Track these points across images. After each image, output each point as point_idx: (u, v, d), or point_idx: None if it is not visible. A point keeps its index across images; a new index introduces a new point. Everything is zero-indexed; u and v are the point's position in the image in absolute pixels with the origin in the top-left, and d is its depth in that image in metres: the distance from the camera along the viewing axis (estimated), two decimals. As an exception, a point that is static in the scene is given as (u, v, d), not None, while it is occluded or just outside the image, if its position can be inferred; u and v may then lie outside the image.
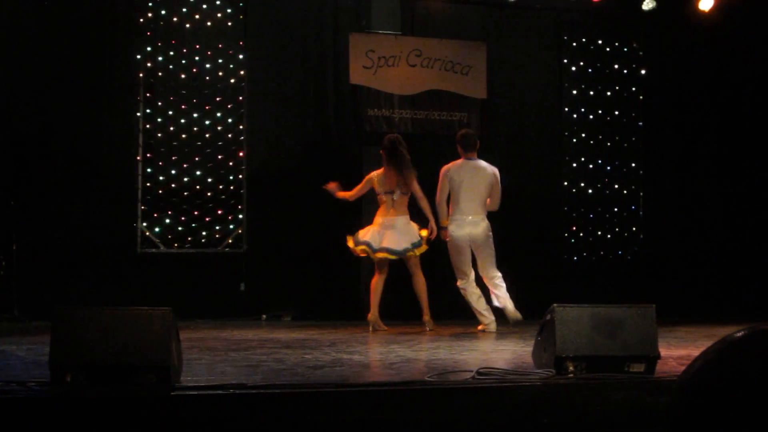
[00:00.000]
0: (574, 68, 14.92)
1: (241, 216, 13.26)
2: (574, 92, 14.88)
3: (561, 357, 6.35)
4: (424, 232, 11.42)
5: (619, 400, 6.08)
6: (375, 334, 10.85)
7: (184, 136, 13.12)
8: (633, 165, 15.07)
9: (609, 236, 14.89)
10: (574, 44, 14.92)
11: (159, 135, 13.12)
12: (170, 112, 13.13)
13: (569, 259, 14.65)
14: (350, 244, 11.49)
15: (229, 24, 13.44)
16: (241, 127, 13.30)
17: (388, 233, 11.36)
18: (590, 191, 14.87)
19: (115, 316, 5.82)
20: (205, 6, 13.37)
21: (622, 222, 14.98)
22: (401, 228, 11.40)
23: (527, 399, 5.99)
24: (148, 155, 13.06)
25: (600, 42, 15.02)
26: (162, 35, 13.22)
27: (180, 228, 13.08)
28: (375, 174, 11.60)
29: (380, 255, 11.33)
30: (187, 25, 13.28)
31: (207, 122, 13.18)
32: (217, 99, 13.25)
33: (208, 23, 13.36)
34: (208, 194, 13.14)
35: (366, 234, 11.45)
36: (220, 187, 13.19)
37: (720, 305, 13.76)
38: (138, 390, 5.60)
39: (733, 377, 1.48)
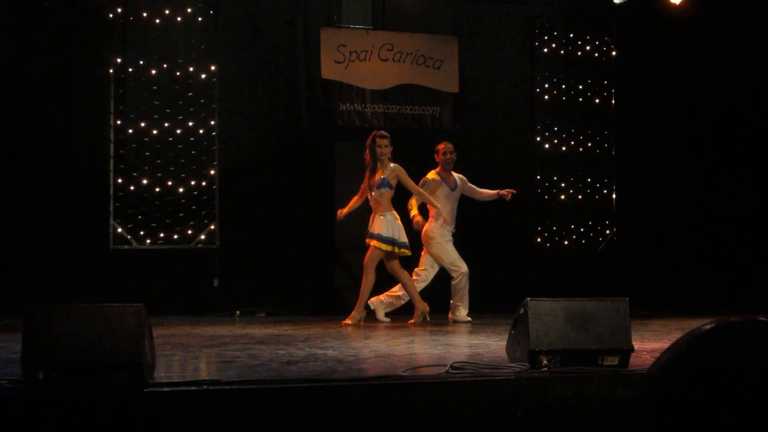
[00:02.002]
0: (546, 61, 14.93)
1: (214, 212, 13.22)
2: (546, 85, 14.89)
3: (535, 351, 6.37)
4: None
5: (592, 393, 6.10)
6: (348, 329, 10.85)
7: (156, 132, 13.06)
8: (605, 157, 15.10)
9: (582, 229, 14.91)
10: (546, 37, 14.93)
11: (131, 131, 13.05)
12: (142, 109, 13.07)
13: (542, 250, 14.67)
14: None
15: (200, 19, 13.37)
16: (213, 122, 13.25)
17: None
18: (563, 184, 14.88)
19: (87, 313, 5.80)
20: (174, 1, 13.31)
21: (595, 214, 15.00)
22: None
23: (501, 393, 6.00)
24: (121, 152, 13.00)
25: (572, 35, 15.04)
26: (133, 33, 13.15)
27: (153, 224, 13.02)
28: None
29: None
30: (158, 21, 13.21)
31: (179, 118, 13.11)
32: (189, 95, 13.19)
33: (179, 19, 13.29)
34: (181, 190, 13.08)
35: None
36: (193, 183, 13.14)
37: (694, 298, 13.82)
38: (111, 387, 5.58)
39: (701, 369, 1.49)
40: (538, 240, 14.70)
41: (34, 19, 12.70)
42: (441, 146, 12.25)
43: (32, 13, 12.71)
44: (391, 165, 11.50)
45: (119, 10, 13.07)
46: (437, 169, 12.14)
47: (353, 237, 13.31)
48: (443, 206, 11.92)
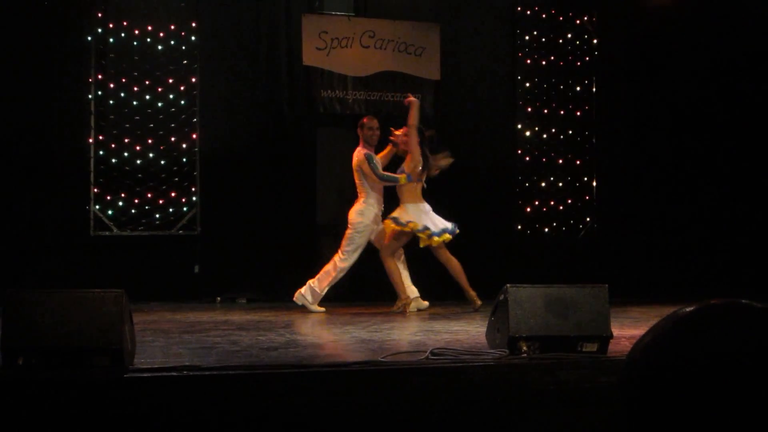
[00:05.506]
0: (527, 49, 14.94)
1: (194, 198, 13.20)
2: (528, 72, 14.90)
3: (514, 337, 6.39)
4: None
5: (572, 379, 6.12)
6: (330, 316, 10.85)
7: (136, 118, 13.03)
8: (586, 146, 15.13)
9: (562, 217, 14.95)
10: (528, 24, 14.94)
11: (111, 117, 13.02)
12: (122, 94, 13.03)
13: (522, 237, 14.70)
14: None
15: (182, 4, 13.34)
16: (194, 108, 13.23)
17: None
18: (543, 171, 14.91)
19: (67, 299, 5.79)
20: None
21: (576, 201, 15.04)
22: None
23: (481, 379, 6.02)
24: (100, 137, 12.96)
25: (553, 22, 15.05)
26: (114, 16, 13.10)
27: (133, 210, 13.00)
28: None
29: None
30: (139, 5, 13.17)
31: (159, 104, 13.09)
32: (170, 81, 13.16)
33: (160, 3, 13.25)
34: (162, 176, 13.07)
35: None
36: (174, 169, 13.12)
37: (673, 285, 13.84)
38: (91, 373, 5.57)
39: (682, 352, 1.49)
40: (519, 227, 14.73)
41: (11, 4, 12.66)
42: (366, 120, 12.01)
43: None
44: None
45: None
46: (365, 145, 11.84)
47: (335, 223, 13.32)
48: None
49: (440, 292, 12.09)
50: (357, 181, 11.75)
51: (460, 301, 11.89)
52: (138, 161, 13.00)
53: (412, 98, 11.85)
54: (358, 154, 11.67)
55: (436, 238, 11.40)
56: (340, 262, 11.53)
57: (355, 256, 11.58)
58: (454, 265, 11.64)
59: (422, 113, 13.74)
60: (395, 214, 11.47)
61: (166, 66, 13.17)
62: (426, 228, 11.35)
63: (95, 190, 12.90)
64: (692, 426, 1.44)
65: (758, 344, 1.47)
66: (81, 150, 12.89)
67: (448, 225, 11.54)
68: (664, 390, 1.48)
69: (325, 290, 11.45)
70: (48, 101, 12.77)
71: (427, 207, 11.59)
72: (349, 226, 11.64)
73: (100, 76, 13.00)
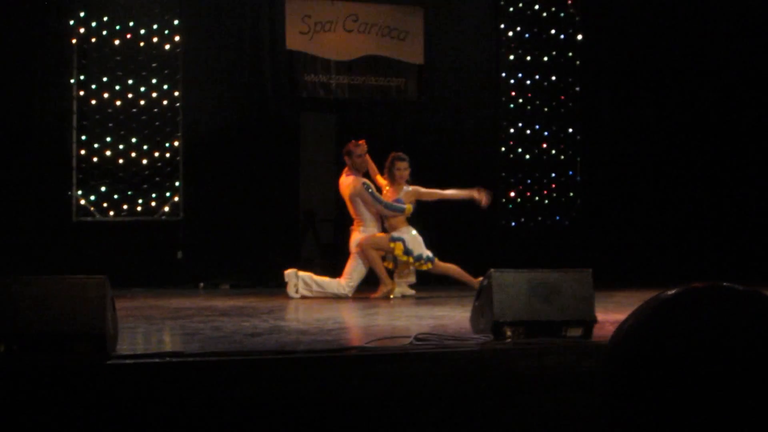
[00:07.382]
0: (511, 33, 14.91)
1: (177, 183, 13.16)
2: (512, 57, 14.88)
3: (499, 322, 6.39)
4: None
5: (556, 364, 6.12)
6: (314, 302, 10.84)
7: (119, 103, 12.98)
8: (570, 130, 15.12)
9: (546, 202, 14.96)
10: (511, 9, 14.91)
11: (93, 102, 12.97)
12: (105, 79, 12.98)
13: (507, 224, 14.70)
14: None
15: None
16: (176, 93, 13.17)
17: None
18: (527, 156, 14.91)
19: (49, 285, 5.77)
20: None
21: (560, 187, 15.05)
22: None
23: (465, 364, 6.02)
24: (84, 122, 12.92)
25: (537, 7, 15.04)
26: (96, 3, 13.04)
27: (116, 196, 12.95)
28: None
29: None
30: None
31: (142, 89, 13.04)
32: (153, 65, 13.10)
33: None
34: (144, 162, 13.02)
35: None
36: (156, 154, 13.08)
37: (658, 271, 13.87)
38: (73, 359, 5.55)
39: (664, 335, 1.49)
40: (503, 211, 14.71)
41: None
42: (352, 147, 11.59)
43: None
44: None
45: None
46: (355, 172, 11.53)
47: (318, 209, 13.31)
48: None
49: (425, 277, 12.05)
50: (352, 209, 11.53)
51: (444, 286, 11.89)
52: (120, 146, 12.94)
53: (483, 198, 11.85)
54: (353, 182, 11.34)
55: (420, 263, 11.40)
56: (342, 288, 11.36)
57: (357, 285, 11.48)
58: (452, 269, 11.51)
59: (406, 97, 13.77)
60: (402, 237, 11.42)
61: (149, 51, 13.11)
62: (409, 252, 11.33)
63: (78, 175, 12.85)
64: (675, 409, 1.43)
65: (740, 327, 1.47)
66: (64, 135, 12.83)
67: (429, 254, 11.47)
68: (646, 373, 1.48)
69: (314, 295, 11.36)
70: (29, 86, 12.70)
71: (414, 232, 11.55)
72: (351, 255, 11.51)
73: (83, 61, 12.93)
